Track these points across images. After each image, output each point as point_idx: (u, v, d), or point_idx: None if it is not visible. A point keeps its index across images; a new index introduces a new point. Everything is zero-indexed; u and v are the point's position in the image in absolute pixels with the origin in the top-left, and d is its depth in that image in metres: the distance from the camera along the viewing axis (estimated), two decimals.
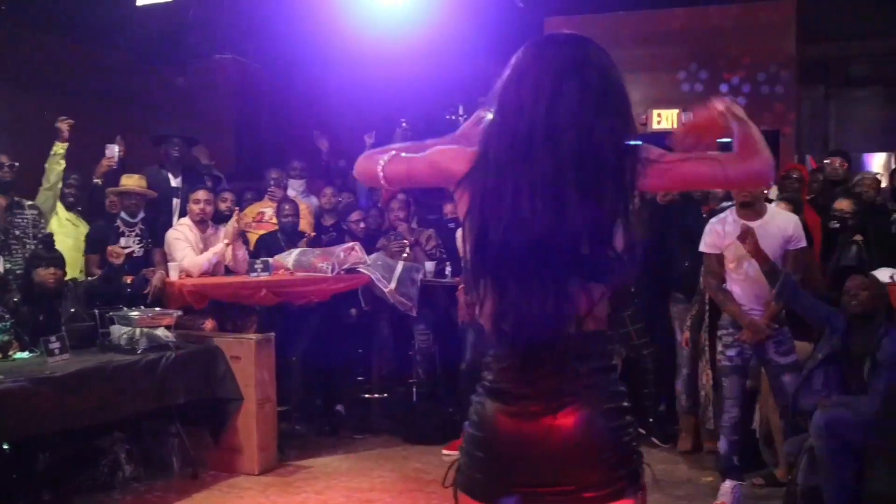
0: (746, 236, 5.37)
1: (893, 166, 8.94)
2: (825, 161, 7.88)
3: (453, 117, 10.56)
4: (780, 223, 5.64)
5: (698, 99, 9.84)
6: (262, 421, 6.31)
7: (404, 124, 8.71)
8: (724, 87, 9.82)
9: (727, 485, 5.58)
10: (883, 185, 7.85)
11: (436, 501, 5.64)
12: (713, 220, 5.83)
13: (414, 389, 7.53)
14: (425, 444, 7.00)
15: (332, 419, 7.51)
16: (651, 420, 7.08)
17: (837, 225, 6.53)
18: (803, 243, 5.70)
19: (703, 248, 5.73)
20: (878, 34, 11.44)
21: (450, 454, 6.77)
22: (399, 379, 7.71)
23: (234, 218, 6.89)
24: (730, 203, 6.40)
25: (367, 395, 7.62)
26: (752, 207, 5.59)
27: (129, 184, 6.83)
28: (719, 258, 5.62)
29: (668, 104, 9.93)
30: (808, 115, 11.64)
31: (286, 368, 6.99)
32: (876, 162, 11.10)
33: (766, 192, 6.16)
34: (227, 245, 6.84)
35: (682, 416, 6.91)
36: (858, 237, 6.45)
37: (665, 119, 9.91)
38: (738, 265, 5.60)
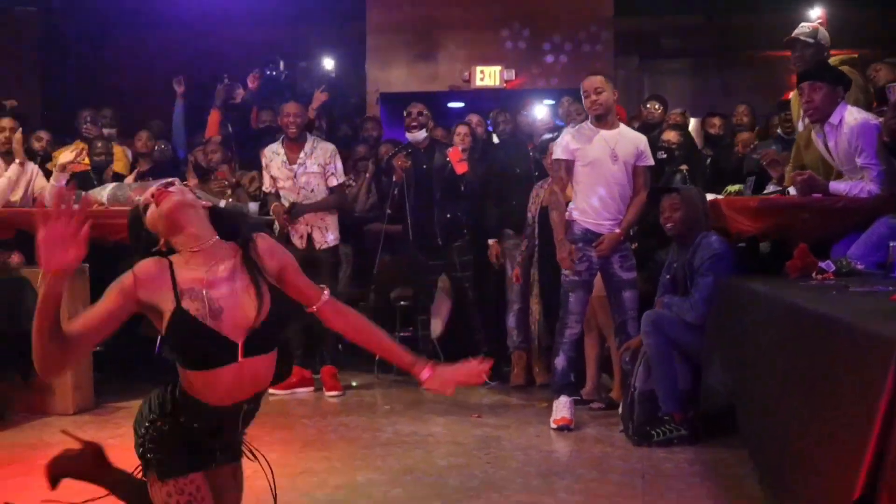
0: None
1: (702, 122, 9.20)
2: (645, 105, 8.05)
3: (274, 72, 10.29)
4: (633, 137, 5.75)
5: (521, 56, 10.00)
6: None
7: (226, 80, 8.41)
8: (546, 45, 9.97)
9: (563, 400, 5.56)
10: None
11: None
12: (568, 129, 5.84)
13: None
14: None
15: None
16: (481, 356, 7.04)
17: (665, 155, 6.67)
18: (651, 162, 5.81)
19: (557, 154, 5.70)
20: (686, 10, 11.95)
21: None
22: None
23: (18, 133, 6.40)
24: (551, 135, 6.44)
25: None
26: (605, 119, 5.61)
27: None
28: (568, 164, 5.62)
29: (491, 61, 10.05)
30: (624, 84, 11.96)
31: None
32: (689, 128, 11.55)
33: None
34: (21, 165, 6.35)
35: (514, 351, 6.90)
36: (684, 167, 6.62)
37: (488, 76, 10.04)
38: (597, 178, 5.58)
